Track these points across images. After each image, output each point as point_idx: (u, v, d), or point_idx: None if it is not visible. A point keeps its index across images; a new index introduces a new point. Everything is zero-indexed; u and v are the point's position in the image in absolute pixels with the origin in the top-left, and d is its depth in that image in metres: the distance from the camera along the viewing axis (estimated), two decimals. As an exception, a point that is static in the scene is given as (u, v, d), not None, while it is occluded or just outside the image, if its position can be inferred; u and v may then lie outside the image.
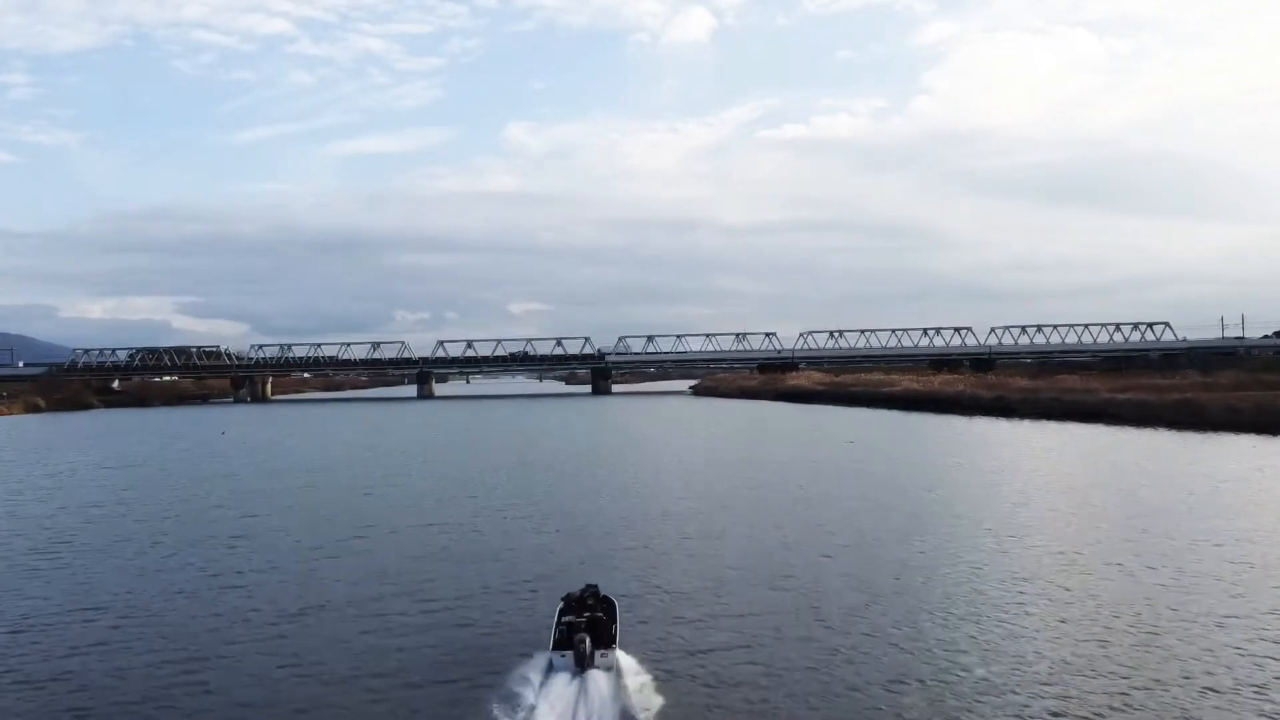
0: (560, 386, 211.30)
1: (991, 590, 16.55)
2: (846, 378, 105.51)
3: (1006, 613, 15.05)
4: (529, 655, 12.27)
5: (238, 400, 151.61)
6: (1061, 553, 19.61)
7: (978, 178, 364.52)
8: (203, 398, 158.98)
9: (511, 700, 11.03)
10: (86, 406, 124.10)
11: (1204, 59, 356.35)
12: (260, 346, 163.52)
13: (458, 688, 12.03)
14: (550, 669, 11.51)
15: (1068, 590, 16.47)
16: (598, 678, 11.22)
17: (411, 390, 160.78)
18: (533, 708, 10.74)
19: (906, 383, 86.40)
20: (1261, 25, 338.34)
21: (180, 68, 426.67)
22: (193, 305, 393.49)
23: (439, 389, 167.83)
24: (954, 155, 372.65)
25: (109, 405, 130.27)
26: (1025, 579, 17.36)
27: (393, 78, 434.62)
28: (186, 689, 12.32)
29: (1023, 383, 74.08)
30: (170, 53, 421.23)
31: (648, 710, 11.00)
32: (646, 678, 11.78)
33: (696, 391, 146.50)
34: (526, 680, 11.41)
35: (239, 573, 19.27)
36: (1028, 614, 14.99)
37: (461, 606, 16.00)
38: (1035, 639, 13.66)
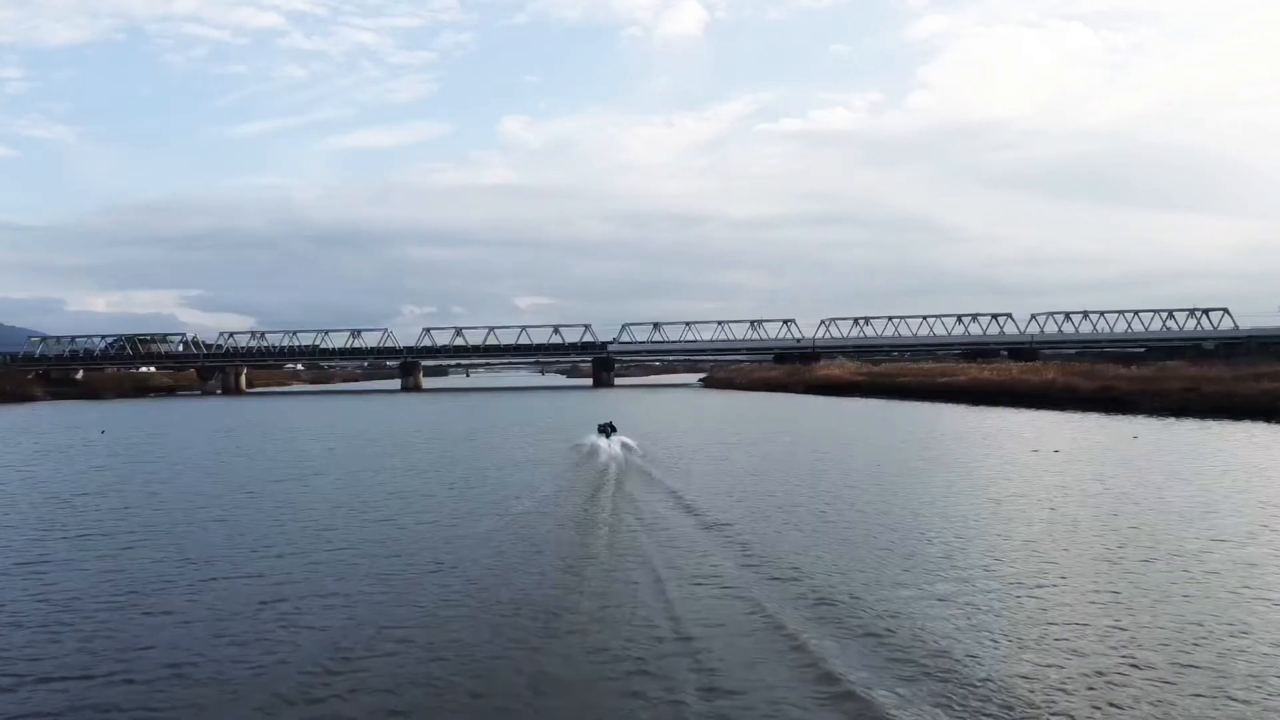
0: (563, 380, 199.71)
1: None
2: (890, 367, 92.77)
3: None
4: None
5: (205, 393, 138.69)
6: None
7: (983, 172, 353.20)
8: (169, 390, 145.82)
9: (583, 441, 35.22)
10: (29, 399, 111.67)
11: (1202, 53, 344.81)
12: (231, 335, 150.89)
13: (569, 440, 37.09)
14: (595, 437, 35.02)
15: None
16: (614, 440, 33.72)
17: (399, 383, 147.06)
18: (593, 442, 34.01)
19: (974, 371, 73.55)
20: (1258, 19, 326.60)
21: (173, 61, 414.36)
22: (199, 298, 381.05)
23: (437, 381, 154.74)
24: (957, 149, 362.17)
25: (58, 398, 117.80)
26: None
27: (385, 71, 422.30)
28: None
29: (1122, 370, 61.36)
30: (162, 46, 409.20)
31: (635, 446, 32.80)
32: (634, 440, 34.14)
33: (708, 384, 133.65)
34: (586, 438, 35.58)
35: None
36: None
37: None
38: None
